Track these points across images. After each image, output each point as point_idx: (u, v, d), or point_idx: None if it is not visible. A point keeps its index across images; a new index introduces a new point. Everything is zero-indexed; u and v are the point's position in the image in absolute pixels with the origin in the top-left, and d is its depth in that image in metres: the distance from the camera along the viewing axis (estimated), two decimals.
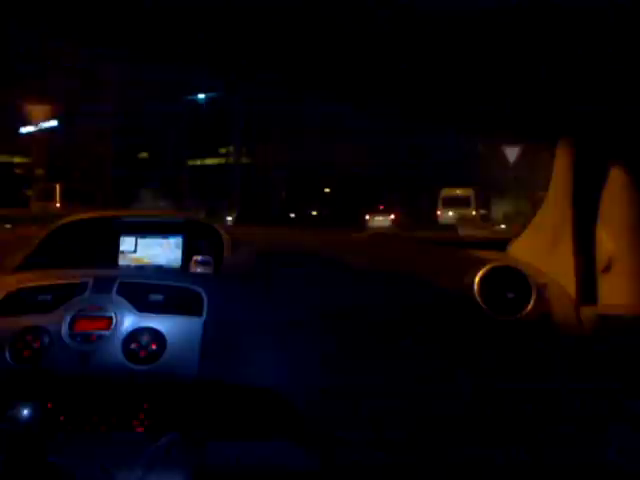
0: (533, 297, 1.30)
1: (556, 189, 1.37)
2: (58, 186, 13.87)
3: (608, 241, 1.18)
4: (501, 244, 1.67)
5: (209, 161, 22.31)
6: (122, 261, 1.55)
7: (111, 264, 1.54)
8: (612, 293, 1.19)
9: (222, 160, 22.13)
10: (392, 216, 17.67)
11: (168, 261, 1.55)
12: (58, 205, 13.13)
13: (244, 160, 21.46)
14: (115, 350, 1.26)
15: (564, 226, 1.30)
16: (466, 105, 1.07)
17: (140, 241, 1.55)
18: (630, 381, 1.12)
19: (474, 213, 17.37)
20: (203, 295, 1.36)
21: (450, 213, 17.14)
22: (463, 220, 15.38)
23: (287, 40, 0.79)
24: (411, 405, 1.28)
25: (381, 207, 18.52)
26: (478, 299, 1.33)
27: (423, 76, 0.94)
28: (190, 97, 20.04)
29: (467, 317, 1.36)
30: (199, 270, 1.49)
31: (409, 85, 0.98)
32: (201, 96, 20.37)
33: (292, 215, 19.16)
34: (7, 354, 1.25)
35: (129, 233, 1.56)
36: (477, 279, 1.35)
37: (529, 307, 1.30)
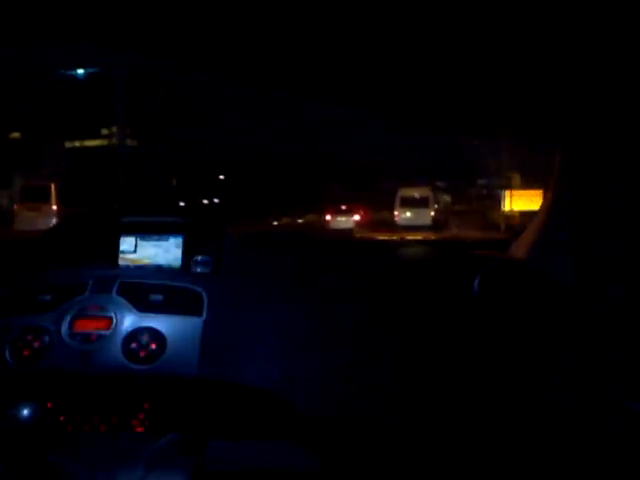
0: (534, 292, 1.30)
1: (556, 190, 1.37)
2: (54, 185, 11.68)
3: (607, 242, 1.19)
4: (503, 245, 1.67)
5: (90, 143, 19.53)
6: (122, 261, 1.55)
7: (111, 264, 1.54)
8: None
9: (104, 142, 19.45)
10: (356, 217, 16.48)
11: (168, 261, 1.55)
12: (55, 208, 11.28)
13: (129, 142, 18.77)
14: (115, 350, 1.26)
15: (564, 226, 1.30)
16: (469, 107, 1.07)
17: (140, 241, 1.55)
18: (630, 381, 1.12)
19: (432, 214, 16.64)
20: (203, 295, 1.36)
21: (408, 213, 16.42)
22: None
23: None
24: (412, 403, 1.28)
25: (343, 207, 17.05)
26: (480, 294, 1.34)
27: (431, 77, 0.94)
28: (69, 72, 17.40)
29: (469, 313, 1.36)
30: (199, 270, 1.49)
31: (415, 86, 0.97)
32: (80, 71, 17.77)
33: (182, 204, 16.45)
34: (7, 354, 1.25)
35: (129, 233, 1.56)
36: (480, 275, 1.36)
37: (531, 302, 1.30)
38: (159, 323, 1.30)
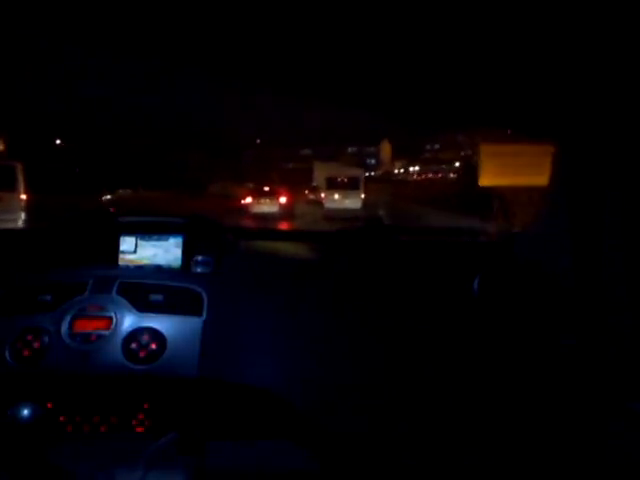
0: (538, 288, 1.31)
1: (556, 189, 1.37)
2: (20, 167, 8.22)
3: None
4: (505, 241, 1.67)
5: None
6: (122, 261, 1.55)
7: (111, 264, 1.54)
8: None
9: None
10: (282, 199, 14.01)
11: (168, 261, 1.55)
12: (24, 197, 8.14)
13: None
14: (115, 350, 1.26)
15: (565, 226, 1.30)
16: (468, 104, 1.06)
17: (140, 241, 1.55)
18: (630, 381, 1.12)
19: (363, 196, 15.12)
20: (203, 295, 1.36)
21: (336, 196, 14.81)
22: None
23: None
24: (411, 402, 1.28)
25: (266, 188, 14.47)
26: (480, 294, 1.34)
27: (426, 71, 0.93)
28: None
29: (469, 315, 1.36)
30: (199, 270, 1.49)
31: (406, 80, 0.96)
32: None
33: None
34: (7, 354, 1.25)
35: (129, 233, 1.56)
36: (480, 275, 1.36)
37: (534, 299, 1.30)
38: (159, 323, 1.30)
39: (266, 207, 13.48)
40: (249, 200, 13.95)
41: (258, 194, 14.16)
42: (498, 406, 1.26)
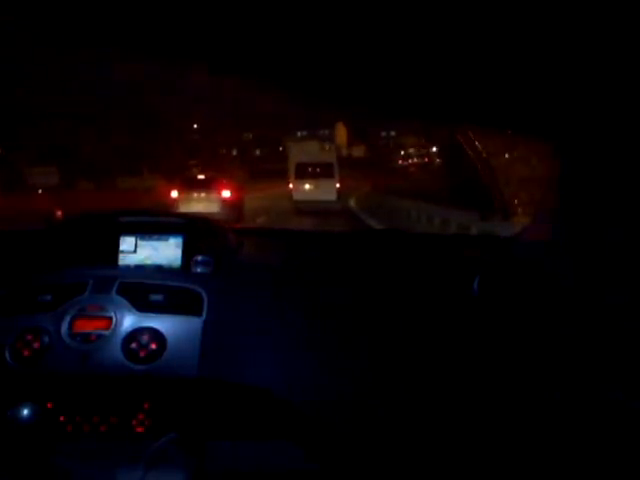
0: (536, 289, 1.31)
1: (557, 190, 1.37)
2: None
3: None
4: (504, 242, 1.67)
5: None
6: (122, 261, 1.55)
7: (111, 264, 1.54)
8: None
9: None
10: (225, 193, 10.08)
11: (168, 261, 1.55)
12: None
13: None
14: (115, 350, 1.26)
15: (564, 226, 1.30)
16: (462, 102, 1.06)
17: (140, 241, 1.55)
18: (630, 381, 1.12)
19: (338, 186, 13.24)
20: (203, 295, 1.36)
21: (307, 186, 13.01)
22: None
23: None
24: (411, 403, 1.28)
25: (201, 176, 10.96)
26: (480, 295, 1.34)
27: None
28: None
29: (467, 314, 1.36)
30: (199, 270, 1.49)
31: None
32: None
33: None
34: (7, 354, 1.25)
35: (129, 233, 1.56)
36: (480, 275, 1.35)
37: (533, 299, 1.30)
38: (159, 323, 1.30)
39: (201, 205, 9.57)
40: (175, 194, 10.15)
41: (188, 186, 10.20)
42: (497, 405, 1.25)
